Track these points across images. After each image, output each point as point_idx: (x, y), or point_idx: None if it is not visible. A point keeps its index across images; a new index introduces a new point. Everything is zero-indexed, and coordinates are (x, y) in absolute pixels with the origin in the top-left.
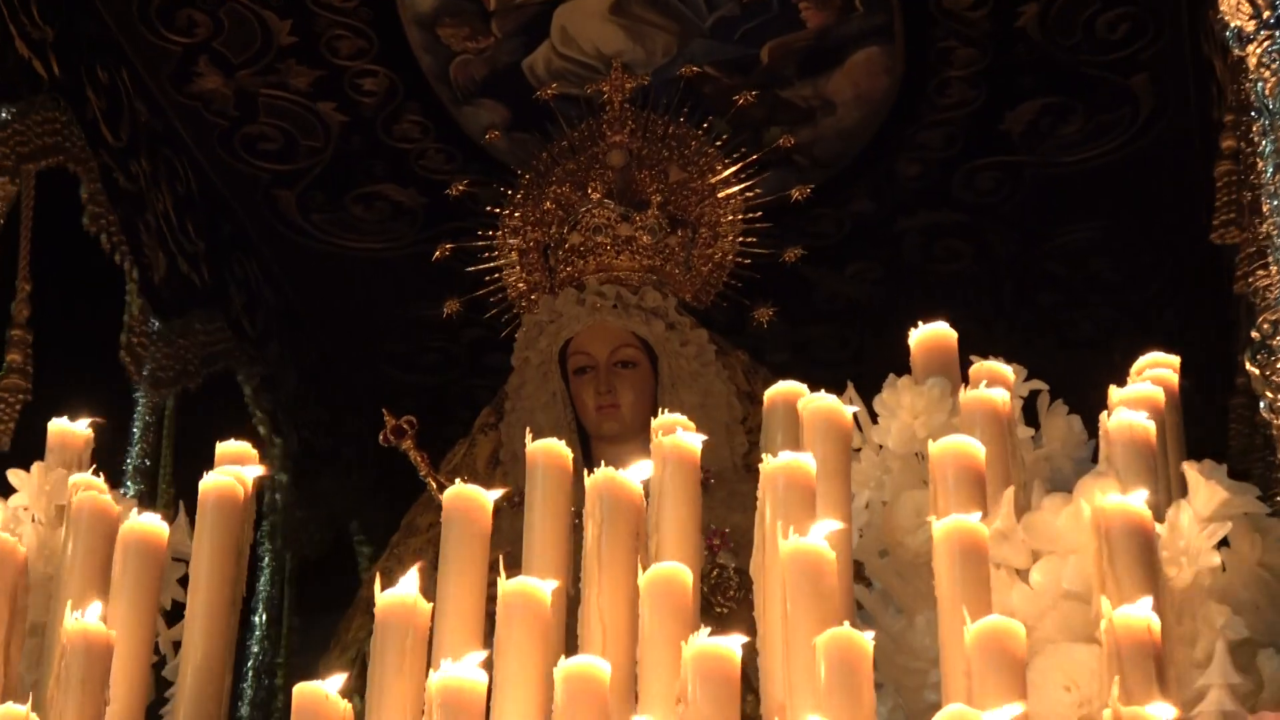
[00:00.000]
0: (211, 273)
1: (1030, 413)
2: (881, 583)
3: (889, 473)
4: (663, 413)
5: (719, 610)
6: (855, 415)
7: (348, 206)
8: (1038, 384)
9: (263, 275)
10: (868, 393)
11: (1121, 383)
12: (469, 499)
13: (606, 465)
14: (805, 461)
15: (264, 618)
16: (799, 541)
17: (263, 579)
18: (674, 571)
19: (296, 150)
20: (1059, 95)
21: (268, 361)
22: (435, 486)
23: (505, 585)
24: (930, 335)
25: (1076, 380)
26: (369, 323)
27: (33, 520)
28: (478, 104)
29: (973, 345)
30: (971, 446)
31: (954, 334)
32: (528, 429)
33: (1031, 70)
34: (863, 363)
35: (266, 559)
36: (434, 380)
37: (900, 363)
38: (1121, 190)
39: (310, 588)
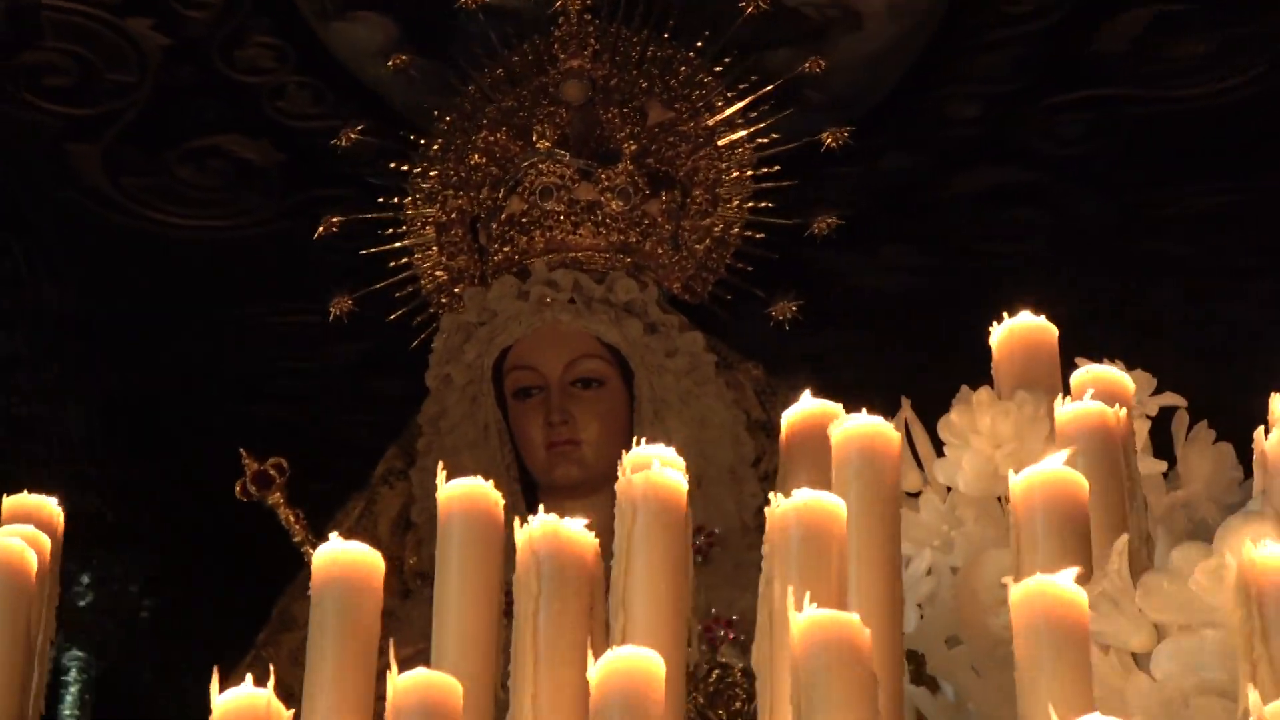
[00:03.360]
0: None
1: (1162, 439)
2: (952, 683)
3: (961, 526)
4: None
5: None
6: (911, 445)
7: (172, 167)
8: (1172, 398)
9: (43, 267)
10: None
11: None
12: (350, 563)
13: None
14: (830, 502)
15: None
16: (820, 613)
17: (68, 698)
18: (640, 663)
19: (98, 87)
20: (1175, 1)
21: (24, 398)
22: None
23: (400, 683)
24: (1019, 331)
25: (1201, 397)
26: (202, 331)
27: None
28: (353, 18)
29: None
30: (1070, 477)
31: (1051, 328)
32: (441, 467)
33: None
34: (895, 380)
35: (73, 670)
36: (293, 413)
37: (948, 381)
38: (1260, 138)
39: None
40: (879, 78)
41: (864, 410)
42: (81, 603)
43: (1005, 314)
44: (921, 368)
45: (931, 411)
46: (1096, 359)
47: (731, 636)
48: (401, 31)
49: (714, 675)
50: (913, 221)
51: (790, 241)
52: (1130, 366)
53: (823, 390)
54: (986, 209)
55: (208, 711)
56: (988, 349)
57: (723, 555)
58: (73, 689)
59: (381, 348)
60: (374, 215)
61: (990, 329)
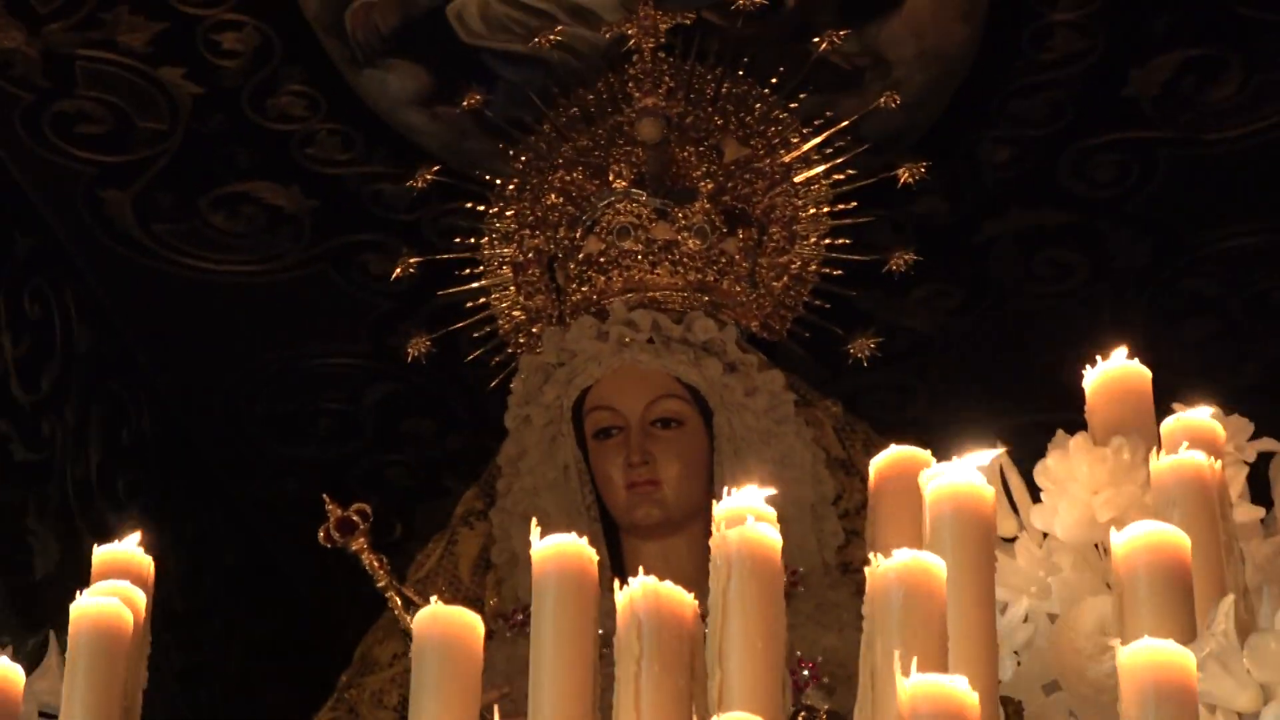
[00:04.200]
0: None
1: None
2: None
3: (1058, 573)
4: (727, 493)
5: None
6: (1006, 490)
7: (204, 213)
8: (1270, 444)
9: (76, 310)
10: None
11: None
12: (452, 622)
13: (645, 570)
14: (931, 562)
15: None
16: (929, 680)
17: None
18: None
19: (131, 135)
20: (1207, 45)
21: (32, 445)
22: (401, 604)
23: None
24: (1114, 375)
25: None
26: (236, 374)
27: None
28: (384, 65)
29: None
30: (1172, 537)
31: (1146, 373)
32: (532, 520)
33: (1168, 8)
34: (935, 426)
35: None
36: (329, 454)
37: (985, 426)
38: None
39: None
40: (912, 122)
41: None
42: None
43: (1099, 357)
44: (958, 409)
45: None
46: (1191, 405)
47: (815, 679)
48: (433, 78)
49: (801, 717)
50: (948, 263)
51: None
52: (1166, 405)
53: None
54: (1022, 251)
55: None
56: (1028, 388)
57: (805, 595)
58: None
59: (412, 389)
60: (450, 255)
61: (1029, 368)
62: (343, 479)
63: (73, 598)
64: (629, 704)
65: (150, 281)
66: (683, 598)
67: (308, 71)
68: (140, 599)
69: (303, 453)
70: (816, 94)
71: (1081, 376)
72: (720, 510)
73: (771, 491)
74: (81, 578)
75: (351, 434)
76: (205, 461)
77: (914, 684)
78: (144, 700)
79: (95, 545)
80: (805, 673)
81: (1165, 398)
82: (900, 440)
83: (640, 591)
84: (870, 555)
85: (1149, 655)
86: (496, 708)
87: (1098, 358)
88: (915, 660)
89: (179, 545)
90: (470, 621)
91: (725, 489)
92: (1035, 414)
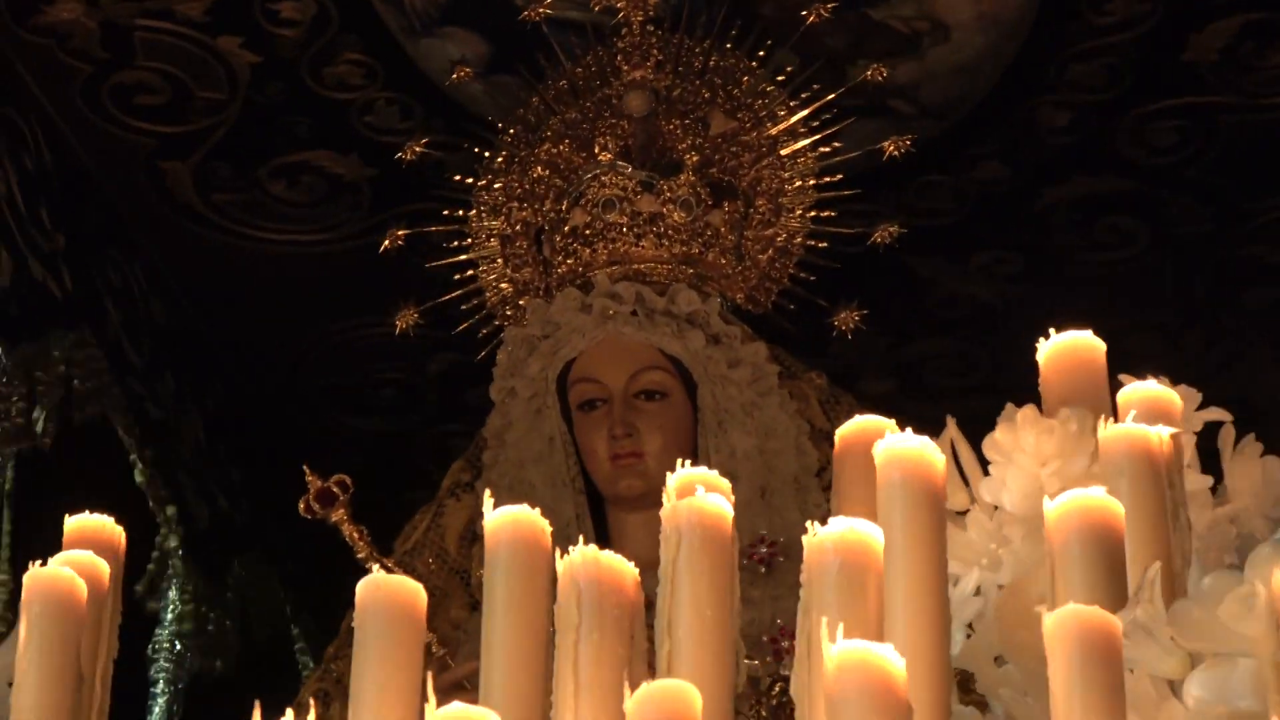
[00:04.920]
0: (76, 278)
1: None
2: (1000, 702)
3: (1008, 545)
4: (705, 462)
5: None
6: (960, 465)
7: (264, 183)
8: (1217, 413)
9: (147, 281)
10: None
11: None
12: (391, 591)
13: (628, 540)
14: (867, 532)
15: None
16: (853, 646)
17: (155, 711)
18: (676, 692)
19: (190, 105)
20: (1267, 9)
21: (160, 402)
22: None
23: (435, 717)
24: (1066, 347)
25: None
26: (299, 345)
27: None
28: (442, 34)
29: (1152, 362)
30: (1105, 504)
31: (1099, 344)
32: (488, 495)
33: None
34: (993, 391)
35: (161, 682)
36: (393, 425)
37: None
38: None
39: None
40: (970, 88)
41: (908, 429)
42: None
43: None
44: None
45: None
46: (1175, 369)
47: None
48: (490, 47)
49: (778, 688)
50: (1007, 229)
51: (875, 250)
52: (1222, 374)
53: (895, 407)
54: (1082, 218)
55: None
56: None
57: (787, 565)
58: (160, 700)
59: (461, 363)
60: (438, 228)
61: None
62: (407, 450)
63: None
64: (567, 671)
65: (211, 253)
66: (623, 566)
67: (364, 40)
68: (104, 568)
69: (367, 424)
70: (876, 58)
71: (1146, 349)
72: (672, 481)
73: None
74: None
75: (413, 405)
76: (270, 433)
77: (840, 651)
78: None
79: None
80: (786, 643)
81: (1229, 364)
82: (962, 408)
83: (580, 559)
84: (808, 525)
85: (1075, 620)
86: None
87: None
88: (842, 628)
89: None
90: (413, 589)
91: (705, 459)
92: None
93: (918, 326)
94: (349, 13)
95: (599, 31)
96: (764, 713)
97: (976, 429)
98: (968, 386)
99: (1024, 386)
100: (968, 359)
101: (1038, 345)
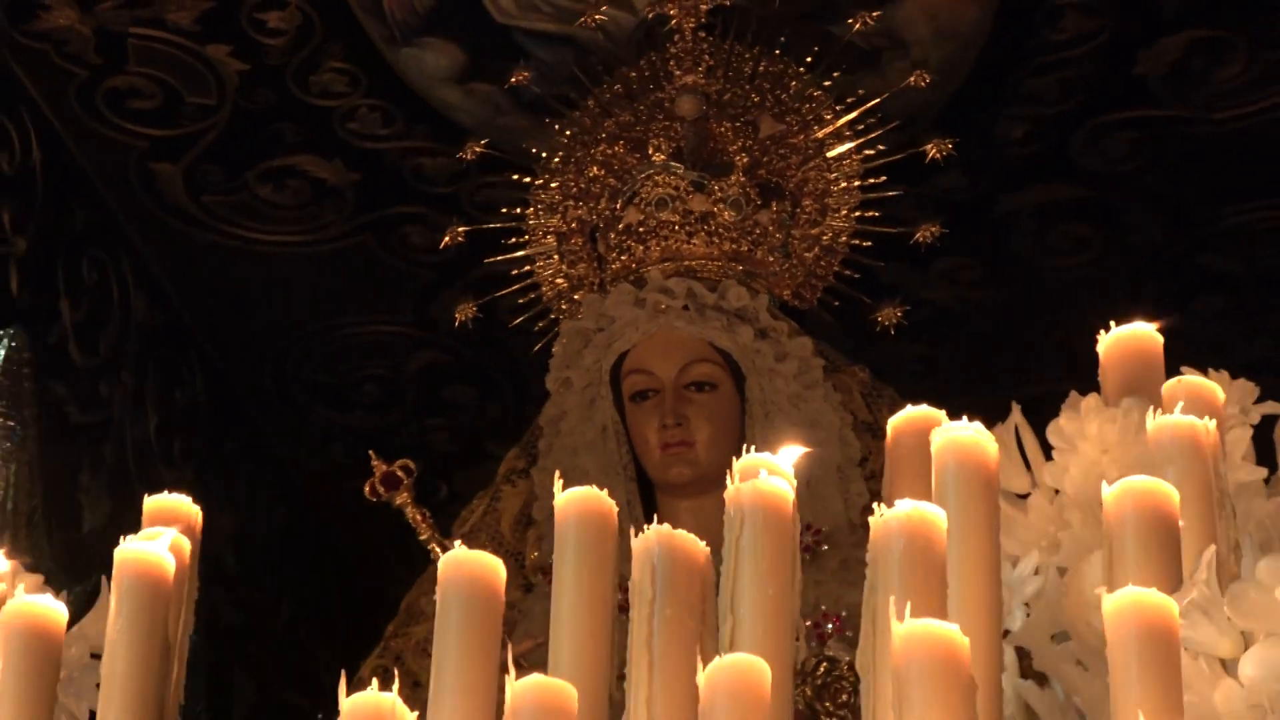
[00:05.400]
0: (33, 281)
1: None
2: (1059, 678)
3: (1068, 528)
4: (750, 451)
5: None
6: (1023, 450)
7: (251, 185)
8: (1274, 407)
9: (134, 279)
10: None
11: None
12: (473, 566)
13: (677, 525)
14: (931, 513)
15: None
16: (921, 624)
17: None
18: (747, 666)
19: (181, 110)
20: (1213, 26)
21: (99, 405)
22: (443, 555)
23: (516, 687)
24: (1124, 338)
25: None
26: (283, 342)
27: None
28: (421, 44)
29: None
30: (1160, 489)
31: (1157, 336)
32: (558, 476)
33: None
34: (954, 393)
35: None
36: (373, 421)
37: (1005, 395)
38: None
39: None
40: (929, 100)
41: (965, 418)
42: None
43: (1112, 322)
44: (977, 378)
45: (992, 419)
46: (1201, 369)
47: (839, 631)
48: (467, 57)
49: (822, 669)
50: (967, 237)
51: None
52: (1171, 376)
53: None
54: (1039, 225)
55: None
56: (1044, 358)
57: (830, 553)
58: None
59: (455, 357)
60: (497, 225)
61: (1046, 339)
62: (386, 444)
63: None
64: (642, 644)
65: (200, 251)
66: (696, 544)
67: (348, 49)
68: (185, 545)
69: (348, 419)
70: (843, 73)
71: (1095, 347)
72: (737, 464)
73: (802, 449)
74: (133, 530)
75: (395, 401)
76: (255, 426)
77: (907, 627)
78: (196, 651)
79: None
80: (829, 626)
81: (1177, 370)
82: None
83: (655, 536)
84: (874, 506)
85: (1133, 602)
86: (517, 658)
87: (1112, 326)
88: (910, 606)
89: (231, 506)
90: (492, 564)
91: (750, 449)
92: (1052, 384)
93: (880, 331)
94: (333, 23)
95: (575, 44)
96: (809, 692)
97: None
98: (927, 388)
99: (982, 390)
100: (928, 363)
101: (994, 349)
